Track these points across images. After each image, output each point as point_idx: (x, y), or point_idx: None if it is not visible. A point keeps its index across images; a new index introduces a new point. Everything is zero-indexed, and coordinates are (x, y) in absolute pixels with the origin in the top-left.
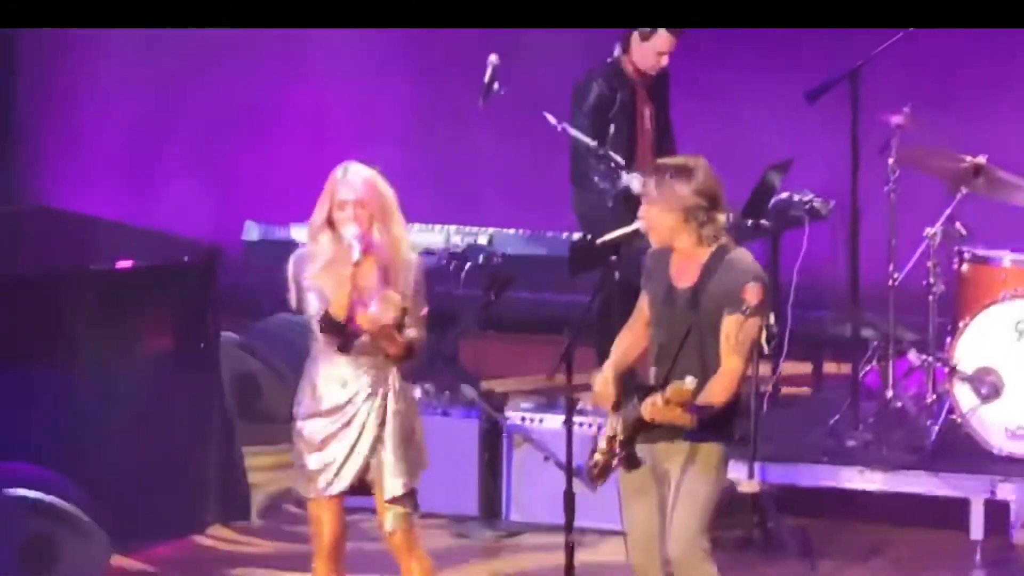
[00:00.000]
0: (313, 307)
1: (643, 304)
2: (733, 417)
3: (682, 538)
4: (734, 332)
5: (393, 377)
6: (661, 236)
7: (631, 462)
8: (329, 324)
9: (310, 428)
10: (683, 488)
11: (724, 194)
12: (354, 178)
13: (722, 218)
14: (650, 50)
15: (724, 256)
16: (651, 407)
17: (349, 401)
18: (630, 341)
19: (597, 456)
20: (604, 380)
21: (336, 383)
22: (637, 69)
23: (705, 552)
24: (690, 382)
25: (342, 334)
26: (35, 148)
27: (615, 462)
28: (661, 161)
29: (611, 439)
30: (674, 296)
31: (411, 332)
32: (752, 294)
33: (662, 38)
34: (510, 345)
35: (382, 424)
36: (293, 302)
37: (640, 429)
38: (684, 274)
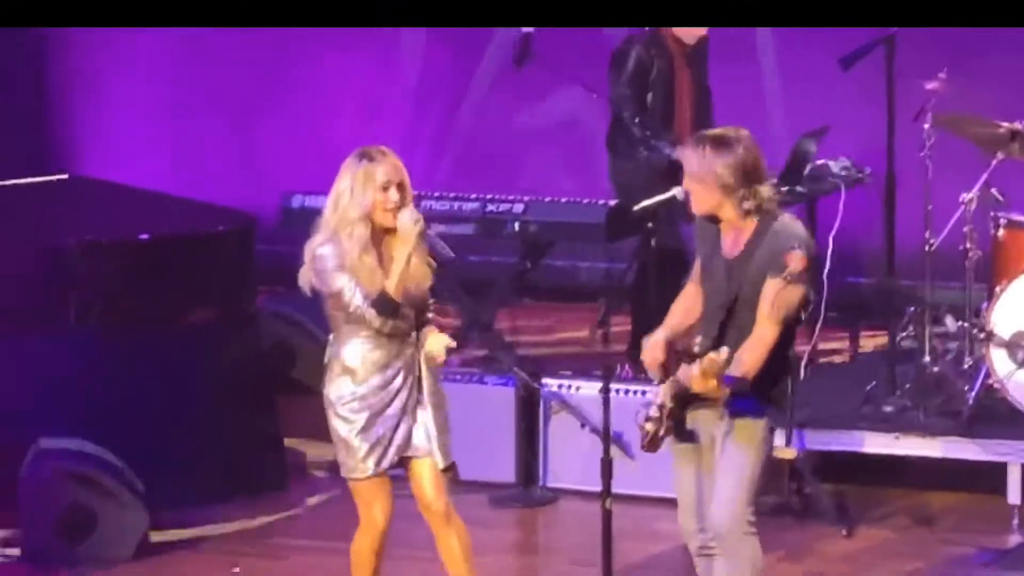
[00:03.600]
0: (357, 293)
1: (697, 269)
2: (775, 387)
3: (725, 510)
4: (771, 296)
5: (419, 352)
6: (703, 209)
7: (679, 432)
8: (386, 305)
9: (355, 413)
10: (727, 459)
11: (764, 165)
12: (393, 159)
13: (764, 190)
14: None
15: (771, 224)
16: (689, 378)
17: (391, 381)
18: (685, 306)
19: (647, 426)
20: (654, 344)
21: (375, 366)
22: (675, 38)
23: (749, 525)
24: (724, 352)
25: (396, 314)
26: (68, 118)
27: (663, 432)
28: (701, 134)
29: (660, 407)
30: (720, 266)
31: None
32: (794, 260)
33: None
34: (546, 312)
35: (419, 398)
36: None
37: (686, 398)
38: (732, 245)
